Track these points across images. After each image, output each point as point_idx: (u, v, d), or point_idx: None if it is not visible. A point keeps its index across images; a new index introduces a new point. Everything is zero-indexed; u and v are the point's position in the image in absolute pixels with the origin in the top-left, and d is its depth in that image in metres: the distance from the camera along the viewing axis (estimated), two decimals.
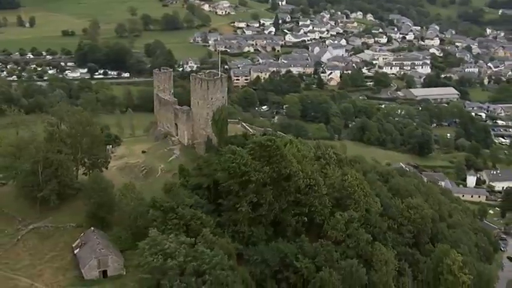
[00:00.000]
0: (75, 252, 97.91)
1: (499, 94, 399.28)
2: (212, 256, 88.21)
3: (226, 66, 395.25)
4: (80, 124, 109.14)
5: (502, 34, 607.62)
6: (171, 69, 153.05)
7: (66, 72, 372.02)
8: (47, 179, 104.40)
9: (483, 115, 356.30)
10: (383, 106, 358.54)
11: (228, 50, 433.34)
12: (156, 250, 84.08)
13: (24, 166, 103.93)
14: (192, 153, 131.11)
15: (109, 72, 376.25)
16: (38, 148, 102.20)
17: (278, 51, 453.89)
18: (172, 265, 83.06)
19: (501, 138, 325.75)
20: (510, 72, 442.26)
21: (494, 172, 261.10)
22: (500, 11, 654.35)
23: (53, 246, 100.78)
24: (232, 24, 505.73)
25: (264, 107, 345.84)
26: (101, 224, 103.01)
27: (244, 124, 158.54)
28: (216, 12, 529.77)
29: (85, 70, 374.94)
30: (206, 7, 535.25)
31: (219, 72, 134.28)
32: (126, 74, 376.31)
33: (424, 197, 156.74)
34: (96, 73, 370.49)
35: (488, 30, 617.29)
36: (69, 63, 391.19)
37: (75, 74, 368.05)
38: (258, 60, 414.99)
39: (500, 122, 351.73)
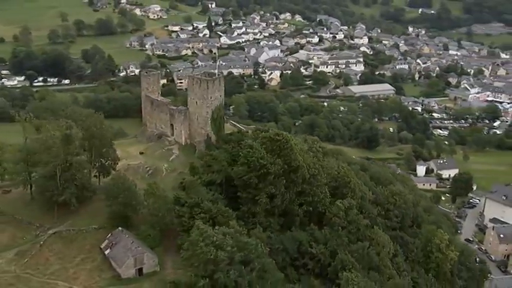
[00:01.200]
0: (106, 252, 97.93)
1: (430, 89, 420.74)
2: (256, 245, 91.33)
3: (167, 70, 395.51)
4: (94, 126, 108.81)
5: (423, 32, 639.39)
6: (159, 72, 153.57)
7: (3, 80, 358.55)
8: (66, 183, 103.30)
9: (419, 109, 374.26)
10: (325, 104, 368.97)
11: (166, 54, 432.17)
12: (208, 242, 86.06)
13: (43, 171, 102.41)
14: (191, 152, 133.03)
15: (48, 79, 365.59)
16: (58, 152, 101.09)
17: (215, 53, 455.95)
18: (224, 256, 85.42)
19: (439, 130, 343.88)
20: (438, 68, 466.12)
21: (441, 161, 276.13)
22: (420, 10, 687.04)
23: (80, 249, 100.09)
24: (166, 28, 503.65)
25: None
26: (123, 224, 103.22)
27: (233, 122, 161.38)
28: (148, 16, 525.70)
29: (22, 78, 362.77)
30: (138, 11, 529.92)
31: (217, 72, 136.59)
32: (67, 81, 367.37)
33: (401, 184, 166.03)
34: (36, 80, 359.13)
35: (410, 29, 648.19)
36: (3, 71, 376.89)
37: (12, 82, 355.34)
38: (198, 63, 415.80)
39: (435, 115, 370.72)
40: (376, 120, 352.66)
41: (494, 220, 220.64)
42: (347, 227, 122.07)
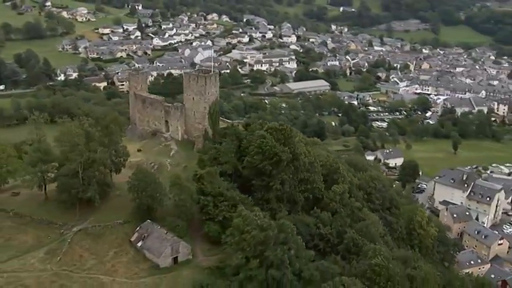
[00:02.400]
0: (138, 245, 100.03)
1: (362, 83, 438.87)
2: (290, 226, 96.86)
3: (103, 73, 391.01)
4: (112, 123, 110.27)
5: (346, 29, 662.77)
6: (147, 71, 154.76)
7: None
8: (88, 180, 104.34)
9: (355, 103, 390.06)
10: (266, 101, 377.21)
11: (101, 57, 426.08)
12: (254, 225, 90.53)
13: (66, 169, 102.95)
14: (189, 147, 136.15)
15: None
16: (83, 149, 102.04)
17: (149, 54, 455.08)
18: (271, 236, 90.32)
19: (377, 122, 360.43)
20: (366, 63, 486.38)
21: (387, 151, 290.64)
22: (341, 8, 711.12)
23: (110, 244, 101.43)
24: (96, 30, 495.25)
25: None
26: (147, 217, 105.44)
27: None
28: (76, 19, 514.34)
29: None
30: (65, 14, 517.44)
31: (212, 69, 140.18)
32: (1, 87, 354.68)
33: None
34: None
35: (333, 26, 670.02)
36: None
37: None
38: (134, 65, 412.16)
39: (371, 108, 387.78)
40: (317, 115, 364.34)
41: (444, 202, 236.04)
42: (342, 210, 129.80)
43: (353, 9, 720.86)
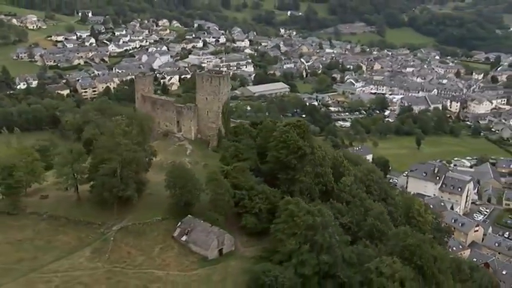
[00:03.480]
0: (183, 239, 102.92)
1: (319, 85, 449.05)
2: (329, 213, 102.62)
3: (64, 80, 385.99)
4: (147, 123, 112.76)
5: (295, 33, 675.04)
6: (152, 73, 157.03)
7: None
8: (127, 179, 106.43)
9: (316, 104, 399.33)
10: (230, 105, 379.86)
11: (58, 65, 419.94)
12: (304, 211, 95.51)
13: (106, 168, 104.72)
14: (202, 146, 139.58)
15: None
16: (122, 149, 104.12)
17: (107, 61, 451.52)
18: (319, 221, 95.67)
19: (340, 122, 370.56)
20: (321, 66, 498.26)
21: (357, 148, 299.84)
22: (289, 13, 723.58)
23: (153, 240, 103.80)
24: (49, 38, 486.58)
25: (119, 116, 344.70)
26: (184, 212, 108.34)
27: None
28: (27, 27, 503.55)
29: None
30: (15, 22, 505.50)
31: (223, 69, 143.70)
32: None
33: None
34: None
35: (282, 30, 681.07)
36: None
37: None
38: (94, 72, 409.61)
39: (332, 109, 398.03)
40: (282, 116, 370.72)
41: (418, 195, 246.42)
42: (352, 201, 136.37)
43: (300, 13, 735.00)
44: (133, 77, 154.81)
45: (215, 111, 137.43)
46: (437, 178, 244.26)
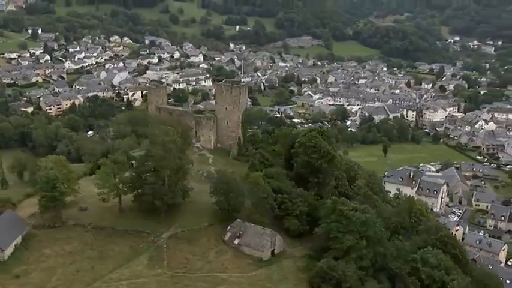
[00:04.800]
0: (235, 242, 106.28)
1: (279, 98, 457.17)
2: (370, 209, 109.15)
3: (25, 98, 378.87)
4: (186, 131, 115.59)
5: (244, 47, 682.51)
6: (165, 85, 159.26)
7: None
8: (174, 186, 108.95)
9: (280, 116, 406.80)
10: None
11: (16, 82, 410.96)
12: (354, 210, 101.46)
13: (154, 177, 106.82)
14: (222, 154, 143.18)
15: None
16: (173, 158, 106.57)
17: (65, 78, 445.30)
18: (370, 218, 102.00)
19: None
20: (277, 79, 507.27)
21: None
22: (237, 27, 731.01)
23: (206, 245, 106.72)
24: (2, 55, 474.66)
25: (89, 132, 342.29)
26: (228, 217, 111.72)
27: None
28: None
29: None
30: None
31: (241, 80, 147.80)
32: None
33: None
34: None
35: (232, 45, 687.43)
36: None
37: None
38: (54, 89, 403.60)
39: (295, 120, 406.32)
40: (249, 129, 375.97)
41: None
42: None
43: (249, 28, 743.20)
44: (147, 89, 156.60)
45: (235, 120, 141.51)
46: (414, 182, 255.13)
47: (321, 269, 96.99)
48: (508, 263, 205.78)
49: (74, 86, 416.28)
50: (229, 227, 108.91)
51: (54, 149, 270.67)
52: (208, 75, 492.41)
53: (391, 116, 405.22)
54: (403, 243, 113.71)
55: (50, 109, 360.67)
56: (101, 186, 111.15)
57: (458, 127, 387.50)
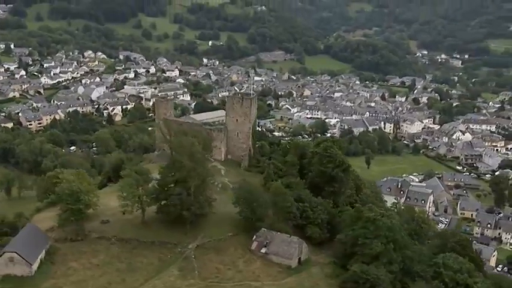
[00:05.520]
0: (262, 251, 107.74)
1: (257, 111, 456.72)
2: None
3: (3, 114, 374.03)
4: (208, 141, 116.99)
5: (218, 62, 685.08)
6: (173, 97, 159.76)
7: None
8: (199, 197, 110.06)
9: (258, 130, 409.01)
10: None
11: None
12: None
13: (180, 188, 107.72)
14: (233, 166, 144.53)
15: None
16: (201, 169, 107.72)
17: (42, 94, 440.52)
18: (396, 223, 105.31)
19: None
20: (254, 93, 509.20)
21: None
22: (210, 42, 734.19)
23: (233, 255, 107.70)
24: None
25: (72, 148, 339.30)
26: (251, 226, 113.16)
27: None
28: None
29: None
30: None
31: (251, 92, 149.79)
32: None
33: None
34: None
35: (205, 60, 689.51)
36: None
37: None
38: (32, 104, 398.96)
39: (276, 134, 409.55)
40: None
41: None
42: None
43: (221, 43, 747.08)
44: (154, 101, 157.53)
45: (246, 132, 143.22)
46: (402, 192, 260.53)
47: (355, 273, 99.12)
48: (498, 268, 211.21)
49: (52, 101, 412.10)
50: (254, 237, 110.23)
51: (39, 164, 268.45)
52: (186, 89, 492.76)
53: (370, 128, 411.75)
54: (421, 248, 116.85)
55: (31, 124, 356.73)
56: (125, 198, 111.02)
57: (436, 138, 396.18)
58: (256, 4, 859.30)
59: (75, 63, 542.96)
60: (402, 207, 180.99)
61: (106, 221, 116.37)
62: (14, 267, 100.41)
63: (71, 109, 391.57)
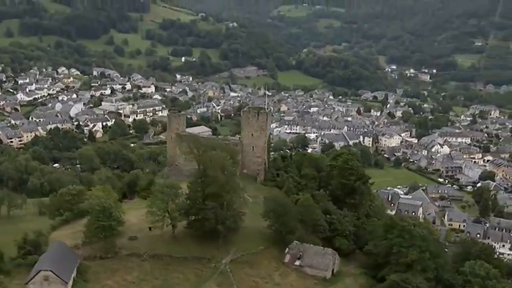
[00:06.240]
0: (296, 263, 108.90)
1: (237, 127, 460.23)
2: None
3: None
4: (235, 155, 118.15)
5: (191, 78, 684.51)
6: (184, 113, 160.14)
7: None
8: (231, 211, 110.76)
9: None
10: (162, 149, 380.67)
11: None
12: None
13: (214, 203, 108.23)
14: (248, 180, 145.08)
15: None
16: (234, 183, 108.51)
17: (19, 110, 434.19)
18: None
19: None
20: (231, 108, 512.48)
21: None
22: (183, 59, 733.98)
23: (267, 268, 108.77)
24: None
25: (55, 165, 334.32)
26: (279, 238, 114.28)
27: None
28: None
29: None
30: None
31: (266, 106, 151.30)
32: None
33: None
34: None
35: (178, 76, 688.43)
36: None
37: None
38: (11, 121, 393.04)
39: None
40: None
41: None
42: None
43: (194, 59, 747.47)
44: (167, 116, 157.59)
45: (261, 146, 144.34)
46: (392, 205, 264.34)
47: (394, 282, 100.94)
48: None
49: (31, 118, 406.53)
50: (287, 249, 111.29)
51: (25, 182, 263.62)
52: (164, 106, 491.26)
53: (351, 142, 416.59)
54: (447, 256, 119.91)
55: (12, 142, 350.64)
56: (154, 213, 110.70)
57: (416, 151, 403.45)
58: (228, 20, 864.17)
59: (50, 79, 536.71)
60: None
61: (134, 237, 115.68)
62: (49, 287, 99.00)
63: (50, 126, 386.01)
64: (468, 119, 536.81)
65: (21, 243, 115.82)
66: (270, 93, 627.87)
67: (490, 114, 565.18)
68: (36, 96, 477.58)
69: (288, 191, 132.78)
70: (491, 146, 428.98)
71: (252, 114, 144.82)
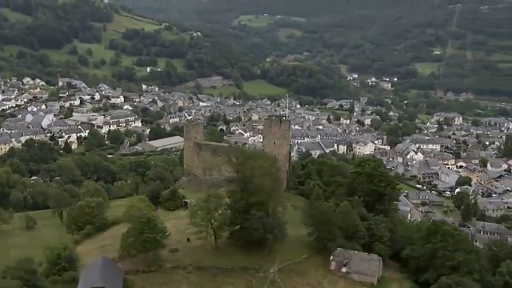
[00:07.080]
0: (343, 270, 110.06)
1: (212, 136, 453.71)
2: None
3: None
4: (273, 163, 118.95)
5: (157, 89, 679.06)
6: (202, 121, 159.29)
7: None
8: (276, 219, 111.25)
9: None
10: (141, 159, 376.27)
11: None
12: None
13: (259, 212, 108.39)
14: None
15: None
16: (280, 189, 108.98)
17: None
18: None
19: None
20: (204, 118, 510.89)
21: None
22: (148, 69, 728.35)
23: (315, 276, 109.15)
24: None
25: (34, 177, 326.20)
26: (321, 246, 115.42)
27: None
28: None
29: None
30: None
31: (287, 115, 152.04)
32: None
33: None
34: None
35: (144, 86, 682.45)
36: None
37: None
38: None
39: None
40: None
41: None
42: None
43: (160, 69, 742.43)
44: (185, 125, 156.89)
45: (283, 154, 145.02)
46: None
47: (447, 284, 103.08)
48: None
49: (2, 130, 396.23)
50: (332, 257, 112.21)
51: (6, 196, 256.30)
52: (136, 116, 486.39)
53: (327, 150, 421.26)
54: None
55: None
56: (199, 225, 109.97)
57: (391, 158, 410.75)
58: (191, 30, 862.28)
59: (16, 90, 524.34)
60: None
61: (175, 249, 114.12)
62: None
63: (24, 137, 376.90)
64: (435, 126, 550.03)
65: (54, 259, 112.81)
66: (238, 103, 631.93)
67: (454, 121, 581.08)
68: (5, 108, 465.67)
69: (317, 198, 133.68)
70: (461, 152, 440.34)
71: (274, 123, 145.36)
